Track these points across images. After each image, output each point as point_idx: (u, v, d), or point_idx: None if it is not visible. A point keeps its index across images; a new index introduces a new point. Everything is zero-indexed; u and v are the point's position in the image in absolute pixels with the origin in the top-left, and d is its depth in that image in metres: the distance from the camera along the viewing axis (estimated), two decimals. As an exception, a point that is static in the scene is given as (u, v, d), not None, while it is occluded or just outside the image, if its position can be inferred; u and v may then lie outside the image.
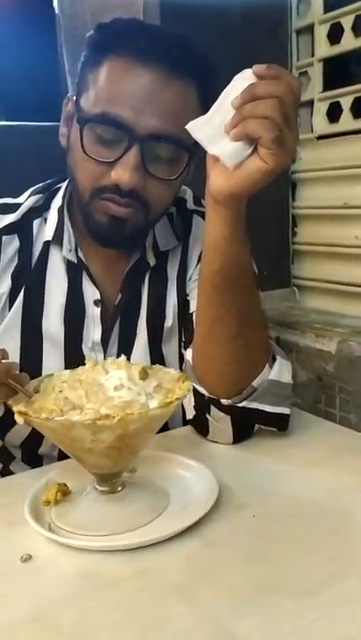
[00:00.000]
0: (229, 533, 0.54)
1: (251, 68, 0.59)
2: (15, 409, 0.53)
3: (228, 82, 0.60)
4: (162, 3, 1.34)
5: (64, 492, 0.58)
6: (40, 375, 0.61)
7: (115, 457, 0.54)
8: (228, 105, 0.58)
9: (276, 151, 0.56)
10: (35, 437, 0.81)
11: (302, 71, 1.61)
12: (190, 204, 0.90)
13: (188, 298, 0.85)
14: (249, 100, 0.57)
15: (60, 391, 0.54)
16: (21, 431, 0.82)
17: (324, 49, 1.54)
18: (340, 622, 0.43)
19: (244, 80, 0.58)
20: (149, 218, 0.77)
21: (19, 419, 0.53)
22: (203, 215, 0.86)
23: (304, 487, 0.63)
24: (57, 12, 1.82)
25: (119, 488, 0.57)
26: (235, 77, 0.59)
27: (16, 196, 0.87)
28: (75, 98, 0.76)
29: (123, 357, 0.57)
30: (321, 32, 1.53)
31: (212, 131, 0.59)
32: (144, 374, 0.54)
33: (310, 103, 1.59)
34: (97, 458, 0.54)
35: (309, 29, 1.58)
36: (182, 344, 0.84)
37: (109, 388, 0.52)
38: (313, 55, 1.58)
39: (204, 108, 0.72)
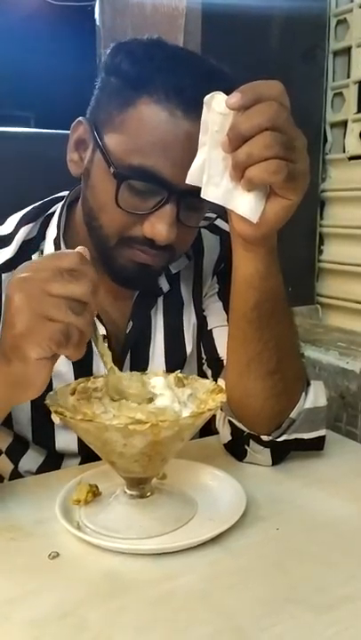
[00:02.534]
0: (252, 545, 0.55)
1: (222, 92, 0.52)
2: (52, 409, 0.55)
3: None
4: (203, 21, 1.37)
5: (94, 493, 0.60)
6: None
7: (145, 463, 0.55)
8: (217, 143, 0.54)
9: (293, 185, 0.53)
10: (52, 463, 0.79)
11: (337, 92, 1.63)
12: None
13: (204, 313, 0.83)
14: (239, 142, 0.52)
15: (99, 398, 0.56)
16: (36, 457, 0.80)
17: (360, 71, 1.55)
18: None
19: (219, 108, 0.52)
20: (174, 259, 0.75)
21: (55, 418, 0.54)
22: (209, 227, 0.83)
23: (325, 504, 0.63)
24: (98, 24, 1.86)
25: (148, 493, 0.58)
26: (206, 103, 0.53)
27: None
28: (93, 126, 0.70)
29: (160, 369, 0.58)
30: (358, 54, 1.56)
31: (222, 188, 0.55)
32: (180, 383, 0.56)
33: (344, 124, 1.61)
34: (127, 462, 0.55)
35: (346, 52, 1.61)
36: (203, 361, 0.82)
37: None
38: (349, 77, 1.60)
39: None
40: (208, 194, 0.55)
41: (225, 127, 0.53)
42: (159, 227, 0.66)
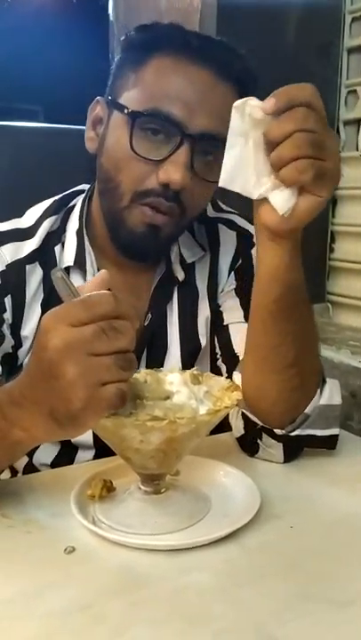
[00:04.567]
0: (267, 542, 0.55)
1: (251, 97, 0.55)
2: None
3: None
4: (218, 17, 1.36)
5: (109, 489, 0.60)
6: None
7: (160, 459, 0.55)
8: (258, 147, 0.56)
9: (322, 182, 0.55)
10: (66, 455, 0.80)
11: (351, 90, 1.62)
12: (211, 212, 0.88)
13: (220, 309, 0.84)
14: (272, 148, 0.55)
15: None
16: (51, 449, 0.81)
17: (374, 69, 1.55)
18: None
19: (256, 115, 0.55)
20: (181, 224, 0.76)
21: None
22: (227, 223, 0.87)
23: (339, 502, 0.63)
24: (111, 19, 1.86)
25: (163, 489, 0.59)
26: (236, 107, 0.55)
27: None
28: (109, 99, 0.75)
29: (176, 366, 0.59)
30: (373, 52, 1.55)
31: (261, 186, 0.57)
32: (195, 380, 0.56)
33: (358, 122, 1.60)
34: (143, 458, 0.55)
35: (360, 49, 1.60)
36: (217, 357, 0.82)
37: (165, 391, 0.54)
38: (363, 74, 1.59)
39: None
40: (237, 188, 0.57)
41: (260, 131, 0.56)
42: (174, 171, 0.69)
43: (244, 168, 0.56)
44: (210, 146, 0.71)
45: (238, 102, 0.55)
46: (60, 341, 0.49)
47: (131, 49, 0.75)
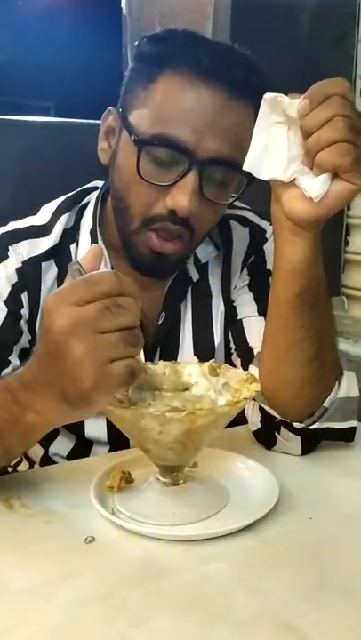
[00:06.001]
0: (286, 533, 0.55)
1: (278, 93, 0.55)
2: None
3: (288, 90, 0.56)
4: (233, 8, 1.36)
5: (127, 480, 0.60)
6: None
7: (179, 451, 0.55)
8: (275, 135, 0.56)
9: (359, 169, 0.54)
10: (81, 449, 0.80)
11: (366, 80, 1.61)
12: None
13: (234, 304, 0.84)
14: (308, 136, 0.54)
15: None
16: (66, 442, 0.81)
17: (390, 59, 1.53)
18: None
19: (292, 114, 0.55)
20: (192, 245, 0.76)
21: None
22: (239, 219, 0.86)
23: (357, 494, 0.63)
24: (124, 12, 1.85)
25: (181, 481, 0.59)
26: (266, 100, 0.56)
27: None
28: (120, 111, 0.73)
29: (194, 358, 0.59)
30: (388, 42, 1.53)
31: (289, 170, 0.56)
32: (213, 371, 0.56)
33: (373, 113, 1.59)
34: (162, 450, 0.55)
35: (376, 39, 1.58)
36: (231, 351, 0.82)
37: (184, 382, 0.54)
38: (378, 65, 1.57)
39: None
40: (271, 174, 0.57)
41: (292, 124, 0.56)
42: (181, 197, 0.68)
43: (270, 155, 0.56)
44: (220, 169, 0.70)
45: (269, 96, 0.55)
46: (64, 321, 0.48)
47: (142, 61, 0.72)
